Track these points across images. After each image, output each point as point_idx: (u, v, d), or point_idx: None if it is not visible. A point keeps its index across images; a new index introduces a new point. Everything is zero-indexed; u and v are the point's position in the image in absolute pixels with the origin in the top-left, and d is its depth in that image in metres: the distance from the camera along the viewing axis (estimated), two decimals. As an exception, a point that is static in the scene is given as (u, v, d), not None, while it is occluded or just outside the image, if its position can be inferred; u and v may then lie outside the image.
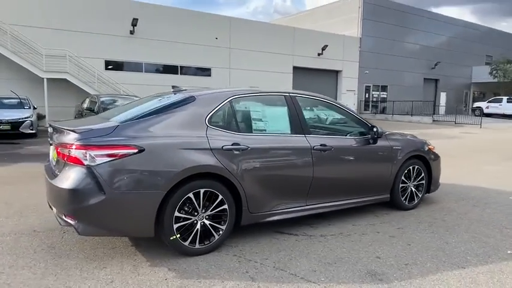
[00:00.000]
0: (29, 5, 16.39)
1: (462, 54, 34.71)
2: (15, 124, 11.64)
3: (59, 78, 16.30)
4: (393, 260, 3.25)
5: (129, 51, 18.79)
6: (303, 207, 3.83)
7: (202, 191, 3.17)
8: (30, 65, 15.69)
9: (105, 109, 10.01)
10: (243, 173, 3.36)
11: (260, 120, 3.80)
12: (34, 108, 12.91)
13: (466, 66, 35.41)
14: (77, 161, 2.88)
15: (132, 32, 18.66)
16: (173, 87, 4.00)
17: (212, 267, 3.04)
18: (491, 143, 13.08)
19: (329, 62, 25.98)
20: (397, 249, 3.50)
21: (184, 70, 20.72)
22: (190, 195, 3.12)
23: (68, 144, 2.95)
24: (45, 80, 15.85)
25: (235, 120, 3.56)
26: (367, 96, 29.17)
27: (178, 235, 3.10)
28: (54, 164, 3.33)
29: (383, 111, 29.24)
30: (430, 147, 5.00)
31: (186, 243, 3.15)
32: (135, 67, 19.29)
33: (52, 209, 3.30)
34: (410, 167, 4.70)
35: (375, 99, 29.62)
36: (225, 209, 3.30)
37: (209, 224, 3.26)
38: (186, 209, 3.14)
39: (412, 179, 4.75)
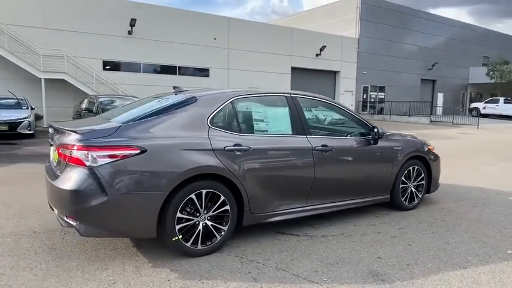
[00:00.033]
0: (26, 5, 16.32)
1: (459, 55, 34.84)
2: (13, 125, 11.58)
3: (57, 79, 16.25)
4: (395, 260, 3.26)
5: (127, 51, 18.75)
6: (304, 208, 3.84)
7: (204, 191, 3.16)
8: (28, 65, 15.63)
9: (103, 109, 9.98)
10: (245, 174, 3.36)
11: (262, 120, 3.80)
12: (32, 108, 12.86)
13: (463, 67, 35.55)
14: (79, 162, 2.87)
15: (130, 32, 18.62)
16: (174, 87, 4.00)
17: (214, 268, 3.03)
18: (489, 144, 13.13)
19: (327, 62, 26.03)
20: (398, 249, 3.50)
21: (183, 70, 20.69)
22: (193, 196, 3.12)
23: (69, 145, 2.94)
24: (42, 80, 15.79)
25: (236, 120, 3.56)
26: (365, 96, 29.23)
27: (181, 236, 3.10)
28: (55, 164, 3.32)
29: (381, 111, 29.31)
30: (429, 147, 5.02)
31: (188, 244, 3.15)
32: (133, 67, 19.25)
33: (53, 210, 3.28)
34: (410, 168, 4.72)
35: (372, 100, 29.69)
36: (226, 210, 3.30)
37: (211, 224, 3.26)
38: (188, 209, 3.14)
39: (412, 179, 4.77)
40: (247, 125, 3.66)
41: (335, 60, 26.52)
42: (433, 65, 32.53)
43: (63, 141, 3.05)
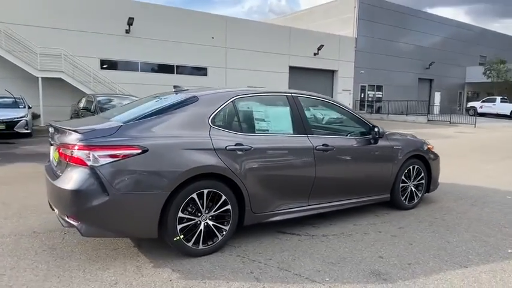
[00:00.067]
0: (23, 3, 16.24)
1: (456, 55, 34.96)
2: (10, 124, 11.53)
3: (54, 78, 16.17)
4: (396, 259, 3.27)
5: (124, 50, 18.69)
6: (305, 207, 3.84)
7: (205, 191, 3.16)
8: (25, 64, 15.56)
9: (101, 108, 9.96)
10: (246, 173, 3.35)
11: (263, 120, 3.79)
12: (29, 107, 12.80)
13: (460, 66, 35.68)
14: (80, 162, 2.86)
15: (128, 31, 18.56)
16: (175, 87, 3.98)
17: (216, 267, 3.03)
18: (486, 143, 13.19)
19: (325, 61, 26.04)
20: (399, 248, 3.51)
21: (180, 69, 20.66)
22: (194, 195, 3.11)
23: (70, 144, 2.93)
24: (39, 79, 15.72)
25: (238, 120, 3.55)
26: (362, 96, 29.29)
27: (182, 236, 3.09)
28: (55, 164, 3.30)
29: (378, 110, 29.38)
30: (429, 146, 5.03)
31: (190, 244, 3.14)
32: (131, 66, 19.20)
33: (53, 210, 3.27)
34: (410, 167, 4.72)
35: (370, 99, 29.75)
36: (228, 210, 3.30)
37: (212, 224, 3.25)
38: (189, 209, 3.13)
39: (412, 178, 4.77)
40: (248, 124, 3.65)
41: (333, 59, 26.54)
42: (430, 64, 32.64)
43: (64, 140, 3.03)
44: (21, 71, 15.66)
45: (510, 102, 29.43)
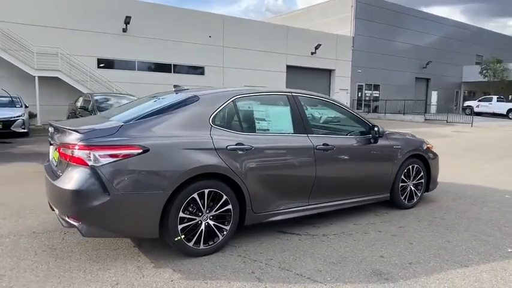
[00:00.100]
0: (20, 2, 16.13)
1: (453, 54, 35.08)
2: (7, 123, 11.46)
3: (51, 77, 16.09)
4: (397, 259, 3.27)
5: (121, 49, 18.62)
6: (305, 207, 3.83)
7: (206, 191, 3.15)
8: (21, 62, 15.47)
9: (99, 108, 9.91)
10: (247, 173, 3.34)
11: (263, 119, 3.78)
12: (26, 106, 12.73)
13: (457, 65, 35.80)
14: (81, 162, 2.84)
15: (124, 30, 18.49)
16: (175, 86, 3.96)
17: (217, 267, 3.02)
18: (483, 142, 13.24)
19: (322, 61, 26.06)
20: (400, 248, 3.51)
21: (178, 68, 20.61)
22: (195, 195, 3.10)
23: (71, 144, 2.91)
24: (36, 78, 15.63)
25: (238, 119, 3.54)
26: (359, 95, 29.34)
27: (183, 236, 3.08)
28: (55, 164, 3.28)
29: (375, 110, 29.44)
30: (428, 146, 5.04)
31: (191, 244, 3.13)
32: (128, 65, 19.12)
33: (53, 210, 3.25)
34: (410, 166, 4.73)
35: (367, 98, 29.80)
36: (229, 209, 3.29)
37: (213, 224, 3.24)
38: (190, 209, 3.12)
39: (412, 178, 4.78)
40: (249, 124, 3.64)
41: (330, 58, 26.56)
42: (427, 64, 32.73)
43: (65, 140, 3.01)
44: (17, 70, 15.57)
45: (506, 102, 29.59)
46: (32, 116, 14.72)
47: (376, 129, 4.31)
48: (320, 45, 25.14)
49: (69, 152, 2.92)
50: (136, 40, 18.89)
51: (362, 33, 28.26)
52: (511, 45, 40.45)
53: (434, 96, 34.49)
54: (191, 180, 3.06)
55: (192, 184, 3.07)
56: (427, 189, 5.02)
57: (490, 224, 4.25)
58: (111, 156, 2.83)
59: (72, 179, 2.84)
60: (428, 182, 4.99)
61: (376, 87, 30.10)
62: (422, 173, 4.88)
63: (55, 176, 3.11)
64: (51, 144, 3.54)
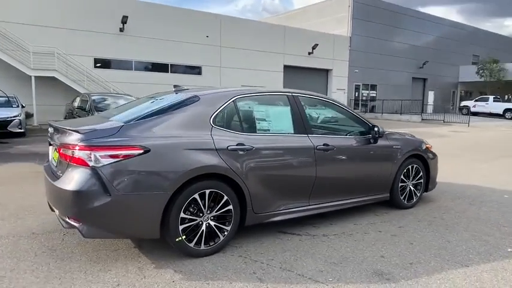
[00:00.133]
0: (16, 2, 16.04)
1: (450, 54, 35.23)
2: (4, 123, 11.40)
3: (47, 76, 16.01)
4: (397, 259, 3.27)
5: (118, 49, 18.56)
6: (306, 207, 3.83)
7: (207, 191, 3.14)
8: (18, 62, 15.38)
9: (96, 108, 9.87)
10: (248, 173, 3.34)
11: (264, 120, 3.78)
12: (22, 106, 12.67)
13: (454, 65, 35.96)
14: (81, 162, 2.82)
15: (121, 30, 18.43)
16: (175, 86, 3.95)
17: (219, 268, 3.01)
18: (480, 141, 13.30)
19: (319, 61, 26.09)
20: (400, 248, 3.52)
21: (175, 68, 20.56)
22: (196, 196, 3.09)
23: (71, 145, 2.89)
24: (33, 78, 15.56)
25: (239, 120, 3.53)
26: (356, 95, 29.39)
27: (184, 236, 3.07)
28: (55, 164, 3.26)
29: (372, 109, 29.52)
30: (427, 146, 5.05)
31: (192, 245, 3.12)
32: (125, 65, 19.07)
33: (53, 211, 3.23)
34: (409, 166, 4.74)
35: (364, 98, 29.86)
36: (229, 210, 3.28)
37: (214, 224, 3.23)
38: (191, 210, 3.11)
39: (411, 178, 4.79)
40: (249, 124, 3.64)
41: (327, 58, 26.60)
42: (424, 64, 32.85)
43: (65, 141, 2.99)
44: (14, 70, 15.49)
45: (503, 102, 29.74)
46: (28, 116, 14.65)
47: (376, 129, 4.32)
48: (317, 45, 25.17)
49: (69, 153, 2.90)
50: (133, 40, 18.83)
51: (359, 33, 28.32)
52: (507, 45, 40.68)
53: (431, 96, 34.62)
54: (192, 180, 3.05)
55: (193, 184, 3.06)
56: (426, 189, 5.04)
57: (489, 224, 4.26)
58: (112, 156, 2.82)
59: (73, 179, 2.82)
60: (428, 182, 5.00)
61: (373, 87, 30.18)
62: (421, 173, 4.89)
63: (55, 177, 3.09)
64: (50, 145, 3.51)
